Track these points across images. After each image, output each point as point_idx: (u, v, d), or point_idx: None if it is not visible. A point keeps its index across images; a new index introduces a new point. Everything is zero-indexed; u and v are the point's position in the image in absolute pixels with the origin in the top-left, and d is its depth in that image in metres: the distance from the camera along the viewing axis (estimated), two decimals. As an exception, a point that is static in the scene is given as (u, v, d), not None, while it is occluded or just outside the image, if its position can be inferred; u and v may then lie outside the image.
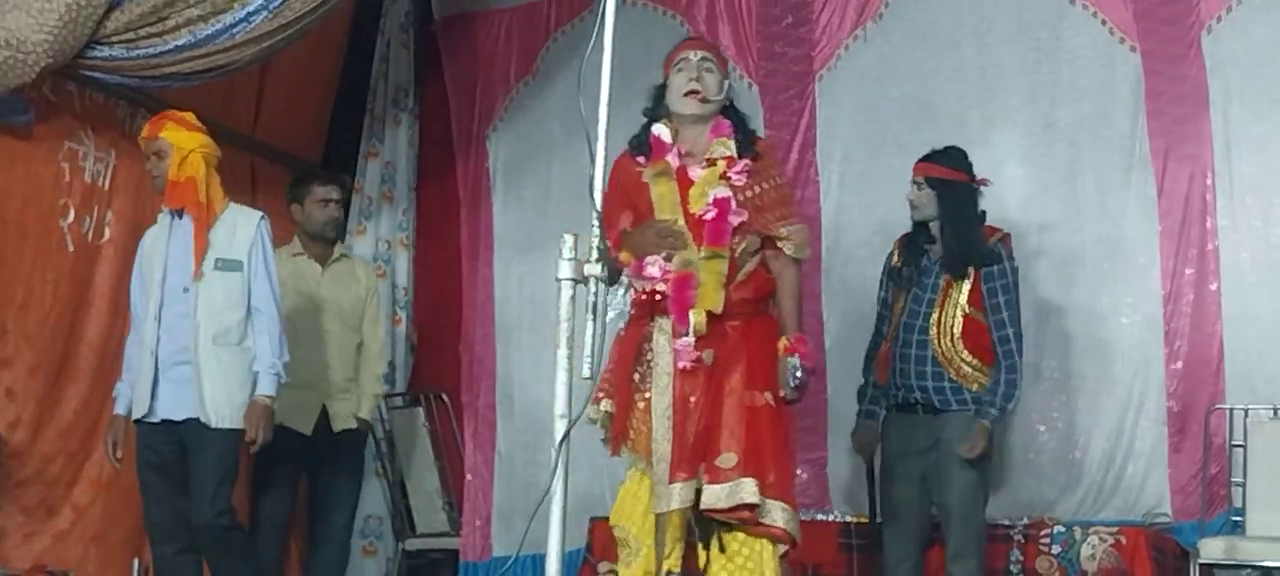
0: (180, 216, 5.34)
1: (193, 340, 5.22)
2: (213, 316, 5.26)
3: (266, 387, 5.32)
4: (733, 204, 4.38)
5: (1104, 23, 6.12)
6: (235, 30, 5.84)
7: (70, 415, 5.85)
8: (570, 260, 3.75)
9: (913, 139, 5.70)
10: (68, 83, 5.77)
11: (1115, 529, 5.35)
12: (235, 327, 5.31)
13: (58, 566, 5.58)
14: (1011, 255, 5.27)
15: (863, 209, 6.30)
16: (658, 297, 4.36)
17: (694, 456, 4.25)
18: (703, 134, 4.50)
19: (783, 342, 4.40)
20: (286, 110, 7.27)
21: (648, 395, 4.36)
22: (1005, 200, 6.09)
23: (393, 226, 7.56)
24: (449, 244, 7.55)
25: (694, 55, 4.57)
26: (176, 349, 5.25)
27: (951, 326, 5.19)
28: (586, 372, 3.74)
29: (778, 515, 4.28)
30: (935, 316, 5.21)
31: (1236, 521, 5.57)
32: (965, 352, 5.17)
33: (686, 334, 4.28)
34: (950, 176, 5.28)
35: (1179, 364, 5.86)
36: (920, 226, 5.34)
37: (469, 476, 7.17)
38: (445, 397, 7.34)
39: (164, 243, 5.35)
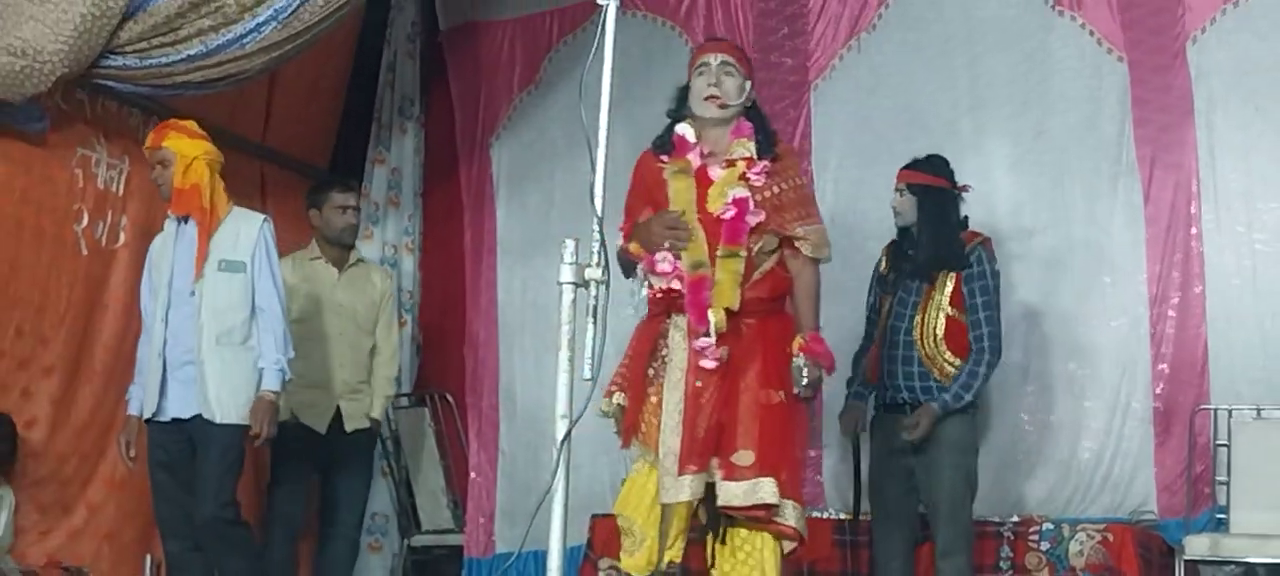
0: (186, 222, 5.35)
1: (197, 340, 5.24)
2: (216, 317, 5.27)
3: (271, 383, 5.33)
4: (751, 204, 4.35)
5: (1092, 33, 6.13)
6: (245, 40, 5.84)
7: (85, 415, 5.86)
8: (571, 265, 3.76)
9: (905, 147, 5.70)
10: (80, 91, 5.78)
11: (1103, 526, 5.35)
12: (239, 327, 5.32)
13: (72, 562, 5.59)
14: (993, 258, 5.28)
15: (857, 216, 6.30)
16: (674, 296, 4.33)
17: (705, 450, 4.22)
18: (724, 135, 4.48)
19: (797, 341, 4.39)
20: (295, 118, 7.28)
21: (658, 390, 4.33)
22: (996, 206, 6.11)
23: (399, 231, 7.57)
24: (453, 248, 7.55)
25: (714, 59, 4.52)
26: (183, 350, 5.26)
27: (934, 327, 5.20)
28: (587, 374, 3.75)
29: (790, 514, 4.28)
30: (918, 318, 5.23)
31: (1220, 519, 5.58)
32: (948, 353, 5.18)
33: (707, 333, 4.24)
34: (931, 182, 5.31)
35: (1165, 365, 5.87)
36: (904, 232, 5.35)
37: (473, 475, 7.18)
38: (450, 398, 7.35)
39: (171, 247, 5.36)
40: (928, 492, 5.19)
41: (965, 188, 5.40)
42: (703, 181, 4.41)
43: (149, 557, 5.91)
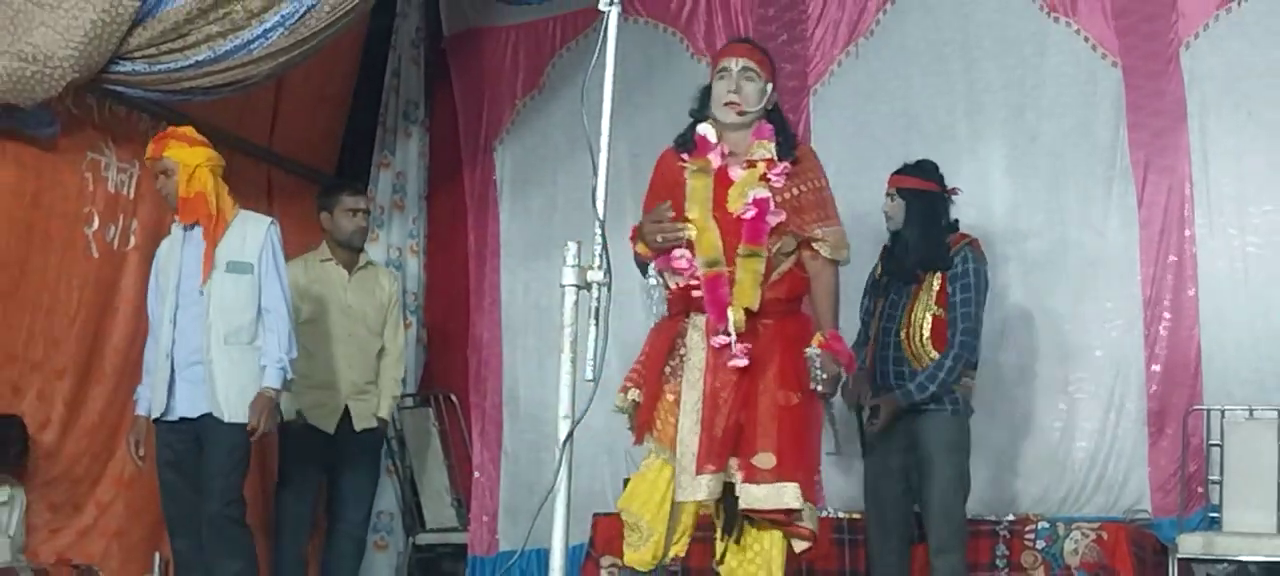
0: (193, 227, 5.36)
1: (205, 340, 5.24)
2: (224, 317, 5.27)
3: (272, 381, 5.32)
4: (771, 204, 4.30)
5: (1086, 39, 6.13)
6: (253, 46, 5.84)
7: (95, 416, 5.86)
8: (574, 267, 3.75)
9: (902, 151, 5.70)
10: (90, 96, 5.77)
11: (1097, 525, 5.35)
12: (247, 327, 5.32)
13: (82, 560, 5.58)
14: (980, 258, 5.28)
15: (854, 220, 6.22)
16: (692, 294, 4.28)
17: (722, 450, 4.17)
18: (745, 137, 4.43)
19: (816, 338, 4.35)
20: (302, 123, 7.27)
21: (678, 388, 4.28)
22: (991, 209, 6.11)
23: (404, 234, 7.56)
24: (457, 250, 7.55)
25: (735, 64, 4.44)
26: (191, 350, 5.26)
27: (921, 326, 5.20)
28: (589, 375, 3.74)
29: (807, 516, 4.25)
30: (906, 319, 5.22)
31: (1213, 517, 5.58)
32: (934, 352, 5.19)
33: (726, 333, 4.19)
34: (919, 186, 5.32)
35: (1158, 367, 5.87)
36: (896, 235, 5.35)
37: (476, 474, 7.18)
38: (454, 398, 7.35)
39: (178, 251, 5.36)
40: (921, 491, 5.18)
41: (955, 191, 5.41)
42: (723, 181, 4.35)
43: (157, 555, 5.90)
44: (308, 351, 5.96)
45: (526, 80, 7.38)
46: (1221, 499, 5.55)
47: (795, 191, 4.36)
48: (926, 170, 5.39)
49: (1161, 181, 5.95)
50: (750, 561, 4.29)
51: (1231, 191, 5.85)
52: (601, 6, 3.89)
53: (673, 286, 4.35)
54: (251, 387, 5.28)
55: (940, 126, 6.34)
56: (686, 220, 4.32)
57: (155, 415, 5.32)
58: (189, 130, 5.43)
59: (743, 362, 4.18)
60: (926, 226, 5.28)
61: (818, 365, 4.26)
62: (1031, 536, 5.34)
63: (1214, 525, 5.54)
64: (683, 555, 4.33)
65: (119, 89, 5.76)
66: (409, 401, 7.28)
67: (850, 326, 5.57)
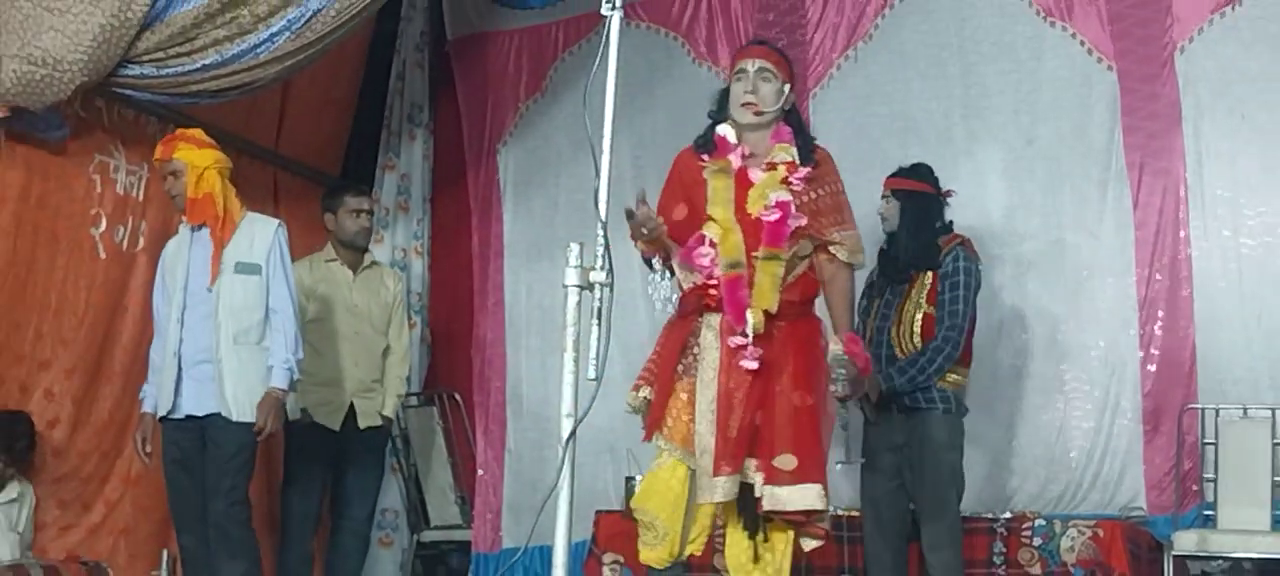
0: (201, 227, 5.36)
1: (214, 339, 5.24)
2: (233, 317, 5.27)
3: (280, 381, 5.32)
4: (792, 208, 4.28)
5: (1082, 43, 6.13)
6: (259, 50, 5.84)
7: (104, 415, 5.86)
8: (576, 267, 3.76)
9: (901, 154, 5.70)
10: (99, 99, 5.77)
11: (1093, 522, 5.34)
12: (254, 328, 5.32)
13: (90, 557, 5.58)
14: (971, 257, 5.27)
15: (853, 222, 6.30)
16: (710, 293, 4.25)
17: (738, 451, 4.14)
18: (764, 138, 4.40)
19: (834, 342, 4.35)
20: (308, 126, 7.27)
21: (689, 386, 4.25)
22: (989, 211, 6.12)
23: (408, 235, 7.56)
24: (461, 252, 7.55)
25: (752, 65, 4.41)
26: (199, 349, 5.26)
27: (912, 324, 5.20)
28: (592, 374, 3.74)
29: (823, 517, 4.26)
30: (898, 316, 5.23)
31: (1208, 515, 5.59)
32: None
33: (743, 334, 4.16)
34: (913, 188, 5.33)
35: (1153, 366, 5.87)
36: (892, 237, 5.36)
37: (480, 472, 7.18)
38: (458, 397, 7.35)
39: (185, 251, 5.36)
40: (915, 489, 5.18)
41: (949, 193, 5.41)
42: (742, 182, 4.32)
43: (165, 552, 5.90)
44: (314, 350, 5.97)
45: (529, 83, 7.38)
46: (1216, 496, 5.55)
47: (813, 195, 4.33)
48: (920, 172, 5.39)
49: (1156, 183, 5.95)
50: (766, 565, 4.28)
51: (1225, 193, 5.85)
52: (604, 11, 3.89)
53: (687, 285, 4.30)
54: (259, 387, 5.28)
55: (938, 129, 6.34)
56: (710, 219, 4.28)
57: (162, 413, 5.31)
58: (198, 132, 5.43)
59: (753, 365, 4.15)
60: (920, 227, 5.28)
61: (842, 370, 4.25)
62: (1028, 533, 5.33)
63: (1208, 522, 5.55)
64: (699, 554, 4.31)
65: (127, 92, 5.77)
66: (414, 400, 7.28)
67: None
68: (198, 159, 5.33)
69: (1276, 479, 5.49)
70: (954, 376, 5.21)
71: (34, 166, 5.58)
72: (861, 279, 5.53)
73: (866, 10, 6.58)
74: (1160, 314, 5.88)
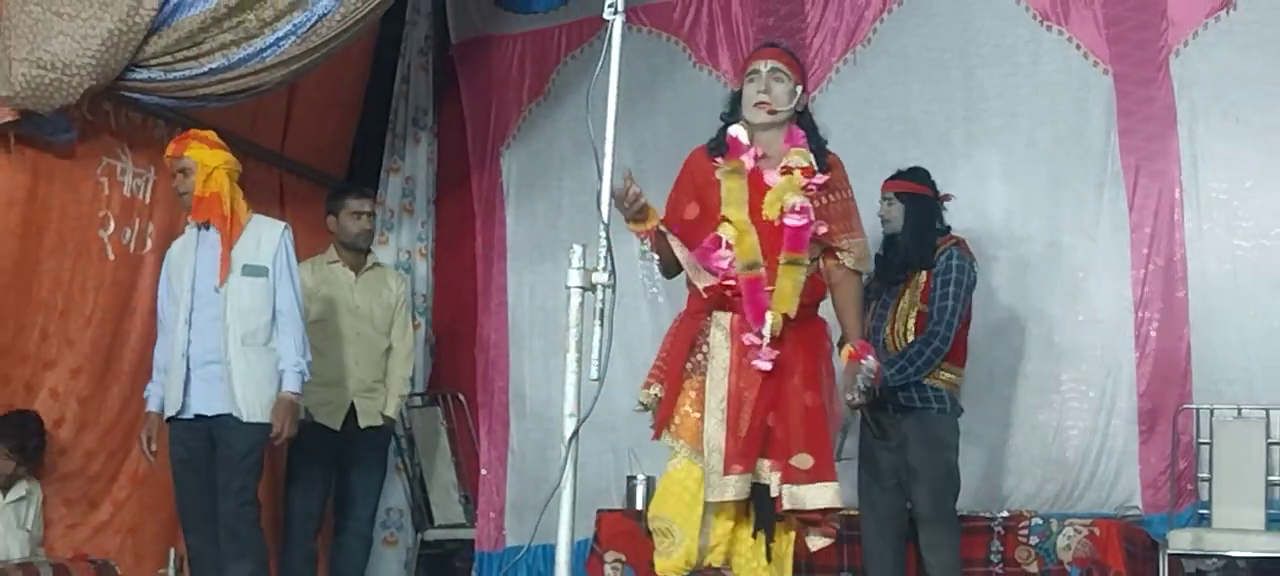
0: (207, 228, 5.36)
1: (223, 341, 5.25)
2: (241, 319, 5.28)
3: (292, 385, 5.35)
4: (810, 213, 4.24)
5: (1078, 47, 6.13)
6: (266, 54, 5.84)
7: (112, 414, 5.87)
8: (579, 269, 3.76)
9: (900, 157, 5.70)
10: (106, 103, 5.78)
11: (1089, 521, 5.34)
12: (262, 329, 5.33)
13: (98, 555, 5.59)
14: (966, 256, 5.28)
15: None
16: (727, 293, 4.21)
17: (749, 450, 4.11)
18: (777, 139, 4.36)
19: (847, 349, 4.33)
20: (313, 128, 7.28)
21: (697, 384, 4.21)
22: (987, 213, 6.12)
23: (413, 237, 7.57)
24: (465, 253, 7.56)
25: (764, 66, 4.37)
26: (207, 349, 5.26)
27: (906, 321, 5.21)
28: (594, 374, 3.74)
29: (837, 515, 4.25)
30: (892, 315, 5.24)
31: (1203, 514, 5.60)
32: None
33: (759, 334, 4.12)
34: (916, 190, 5.34)
35: (1149, 366, 5.88)
36: (891, 238, 5.36)
37: (484, 471, 7.18)
38: (462, 397, 7.36)
39: (192, 252, 5.36)
40: (911, 489, 5.19)
41: (948, 196, 5.43)
42: (755, 183, 4.28)
43: (172, 551, 5.91)
44: (316, 350, 5.94)
45: (532, 87, 7.38)
46: (1211, 496, 5.56)
47: (824, 200, 4.30)
48: (921, 175, 5.41)
49: (1152, 185, 5.95)
50: (773, 567, 4.27)
51: (1220, 195, 5.86)
52: (606, 16, 3.89)
53: (701, 285, 4.25)
54: (267, 387, 5.30)
55: (937, 133, 6.35)
56: (724, 220, 4.24)
57: (170, 414, 5.32)
58: (210, 134, 5.44)
59: (767, 366, 4.13)
60: (921, 230, 5.29)
61: (858, 377, 4.24)
62: (1025, 532, 5.34)
63: (1203, 521, 5.55)
64: (718, 565, 4.23)
65: (135, 96, 5.78)
66: (418, 400, 7.29)
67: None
68: (208, 158, 5.34)
69: (1270, 478, 5.50)
70: (949, 376, 5.22)
71: (42, 169, 5.59)
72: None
73: (865, 14, 6.58)
74: (1156, 315, 5.88)
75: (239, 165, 5.47)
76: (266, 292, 5.35)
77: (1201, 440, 5.66)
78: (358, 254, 6.52)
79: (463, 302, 7.54)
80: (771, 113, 4.32)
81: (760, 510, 4.21)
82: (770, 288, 4.17)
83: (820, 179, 4.29)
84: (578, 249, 3.77)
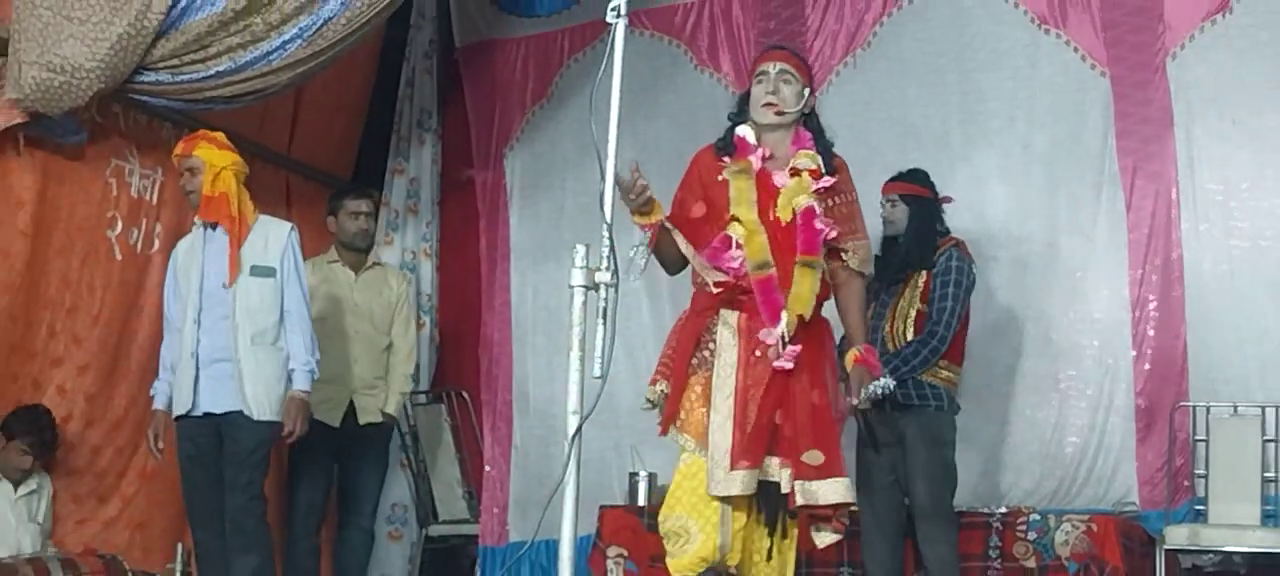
0: (214, 228, 5.38)
1: (232, 340, 5.26)
2: (250, 318, 5.30)
3: (302, 384, 5.37)
4: (820, 215, 4.24)
5: (1076, 50, 6.14)
6: (272, 57, 5.85)
7: (120, 411, 5.89)
8: (582, 268, 3.76)
9: (899, 159, 5.71)
10: (114, 105, 5.80)
11: (1087, 517, 5.34)
12: (271, 329, 5.35)
13: (106, 550, 5.61)
14: (965, 258, 5.30)
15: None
16: (738, 292, 4.19)
17: (757, 447, 4.09)
18: (785, 140, 4.35)
19: (852, 353, 4.33)
20: (319, 130, 7.30)
21: (703, 380, 4.19)
22: (986, 214, 6.13)
23: (417, 238, 7.58)
24: (469, 254, 7.57)
25: (773, 67, 4.37)
26: (216, 348, 5.28)
27: (906, 321, 5.22)
28: (597, 372, 3.75)
29: (846, 511, 4.26)
30: (891, 314, 5.25)
31: (1199, 510, 5.60)
32: None
33: (777, 335, 4.11)
34: (921, 193, 5.37)
35: (1146, 365, 5.88)
36: (892, 240, 5.37)
37: (488, 468, 7.19)
38: (466, 395, 7.38)
39: (199, 252, 5.38)
40: (909, 485, 5.20)
41: (947, 198, 5.46)
42: (763, 184, 4.27)
43: (179, 546, 5.93)
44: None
45: (536, 89, 7.39)
46: (1207, 492, 5.57)
47: (831, 203, 4.30)
48: (923, 177, 5.43)
49: (1149, 187, 5.96)
50: (781, 564, 4.27)
51: (1217, 196, 5.86)
52: (609, 19, 3.90)
53: (712, 283, 4.24)
54: (276, 386, 5.32)
55: (936, 135, 6.35)
56: (733, 220, 4.24)
57: (179, 412, 5.33)
58: (219, 135, 5.46)
59: (789, 365, 4.12)
60: (923, 232, 5.31)
61: (866, 389, 4.25)
62: (1023, 527, 5.34)
63: (1199, 517, 5.56)
64: (734, 563, 4.20)
65: (143, 98, 5.79)
66: (422, 398, 7.31)
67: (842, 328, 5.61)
68: (217, 159, 5.35)
69: (1266, 475, 5.49)
70: (947, 374, 5.24)
71: (51, 171, 5.61)
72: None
73: (865, 18, 6.59)
74: (1153, 314, 5.89)
75: (246, 167, 5.49)
76: (274, 293, 5.37)
77: (1198, 437, 5.66)
78: (357, 253, 6.56)
79: (466, 302, 7.56)
80: (780, 114, 4.32)
81: (769, 508, 4.21)
82: (785, 288, 4.17)
83: (829, 181, 4.29)
84: (581, 249, 3.77)
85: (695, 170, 4.38)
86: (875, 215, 5.38)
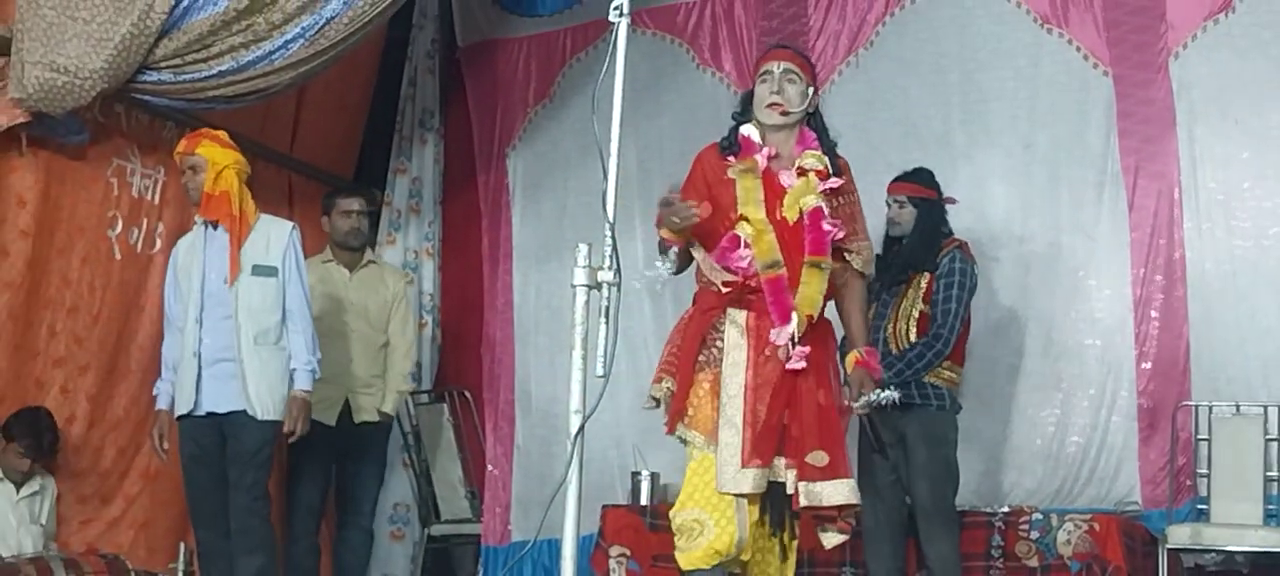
0: (215, 227, 5.37)
1: (235, 339, 5.26)
2: (252, 318, 5.29)
3: (303, 383, 5.37)
4: (827, 216, 4.22)
5: (1078, 49, 6.13)
6: (274, 57, 5.85)
7: (121, 411, 5.89)
8: (585, 268, 3.75)
9: (901, 159, 5.71)
10: (117, 105, 5.80)
11: (1089, 516, 5.34)
12: (273, 328, 5.35)
13: (110, 550, 5.61)
14: (968, 259, 5.30)
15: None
16: (746, 291, 4.16)
17: (767, 446, 4.07)
18: (789, 140, 4.32)
19: (853, 355, 4.31)
20: (321, 130, 7.30)
21: (710, 377, 4.16)
22: (988, 214, 6.12)
23: (420, 237, 7.59)
24: (471, 253, 7.57)
25: (777, 67, 4.32)
26: (219, 348, 5.28)
27: (908, 322, 5.21)
28: (599, 372, 3.74)
29: (852, 512, 4.24)
30: (893, 315, 5.25)
31: (1201, 509, 5.60)
32: None
33: (787, 335, 4.08)
34: (929, 194, 5.36)
35: (1148, 364, 5.88)
36: (896, 240, 5.36)
37: (490, 467, 7.19)
38: (468, 395, 7.38)
39: (200, 251, 5.37)
40: (910, 485, 5.19)
41: (950, 199, 5.45)
42: (769, 184, 4.24)
43: (182, 545, 5.93)
44: (312, 348, 6.00)
45: (538, 89, 7.39)
46: (1209, 491, 5.56)
47: (836, 203, 4.28)
48: (928, 178, 5.42)
49: (1151, 186, 5.95)
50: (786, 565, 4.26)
51: (1219, 195, 5.86)
52: (611, 18, 3.89)
53: (720, 282, 4.22)
54: (279, 386, 5.32)
55: (938, 135, 6.35)
56: (741, 219, 4.21)
57: (181, 412, 5.33)
58: (222, 134, 5.46)
59: (801, 365, 4.10)
60: (930, 234, 5.31)
61: (866, 386, 4.24)
62: (1026, 527, 5.34)
63: (1202, 517, 5.55)
64: (747, 559, 4.17)
65: (145, 98, 5.80)
66: (424, 397, 7.31)
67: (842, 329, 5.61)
68: (219, 157, 5.35)
69: (1269, 474, 5.49)
70: (949, 374, 5.23)
71: (54, 170, 5.61)
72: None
73: (867, 18, 6.59)
74: (1155, 313, 5.88)
75: (248, 166, 5.48)
76: (276, 292, 5.36)
77: (1200, 436, 5.65)
78: (350, 251, 6.57)
79: (469, 301, 7.56)
80: (785, 114, 4.29)
81: (774, 508, 4.19)
82: (793, 288, 4.15)
83: (836, 182, 4.27)
84: (584, 248, 3.76)
85: (699, 169, 4.35)
86: (877, 214, 5.38)
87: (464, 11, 7.67)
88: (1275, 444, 5.54)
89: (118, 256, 5.90)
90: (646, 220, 6.42)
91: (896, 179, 5.44)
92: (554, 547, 6.24)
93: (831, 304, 4.39)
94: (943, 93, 6.42)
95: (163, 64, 5.64)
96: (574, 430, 3.69)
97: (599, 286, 3.75)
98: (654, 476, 6.23)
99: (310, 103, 7.11)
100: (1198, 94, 5.91)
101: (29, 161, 5.50)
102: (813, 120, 4.38)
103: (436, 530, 7.22)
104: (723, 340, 4.19)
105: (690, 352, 4.21)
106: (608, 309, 3.75)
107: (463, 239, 7.65)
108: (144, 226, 6.02)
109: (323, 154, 7.34)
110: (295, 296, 5.40)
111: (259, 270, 5.33)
